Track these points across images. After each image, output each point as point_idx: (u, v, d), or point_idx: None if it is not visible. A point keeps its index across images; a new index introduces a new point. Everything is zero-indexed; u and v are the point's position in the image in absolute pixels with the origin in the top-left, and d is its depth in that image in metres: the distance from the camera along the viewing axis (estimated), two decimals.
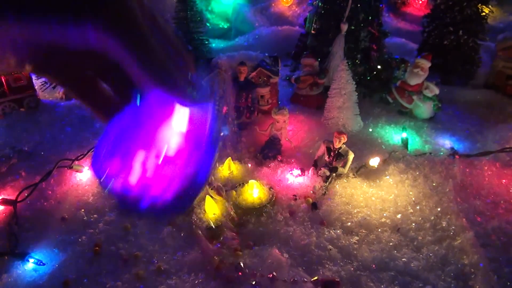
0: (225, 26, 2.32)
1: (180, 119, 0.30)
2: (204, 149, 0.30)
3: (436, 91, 1.30)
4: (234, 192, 0.97)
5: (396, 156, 1.10)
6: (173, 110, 0.29)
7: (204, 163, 0.30)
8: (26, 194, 1.00)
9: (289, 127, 1.17)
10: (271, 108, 1.28)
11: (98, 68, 0.29)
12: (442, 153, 1.13)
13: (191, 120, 0.30)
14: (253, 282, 0.74)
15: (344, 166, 1.02)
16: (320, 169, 1.02)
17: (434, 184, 0.99)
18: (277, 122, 1.10)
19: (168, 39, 0.30)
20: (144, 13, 0.27)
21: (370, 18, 1.43)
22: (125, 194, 0.29)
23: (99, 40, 0.24)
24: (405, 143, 1.17)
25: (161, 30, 0.30)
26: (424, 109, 1.32)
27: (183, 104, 0.28)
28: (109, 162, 0.29)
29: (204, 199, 0.90)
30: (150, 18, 0.28)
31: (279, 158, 1.11)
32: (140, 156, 0.29)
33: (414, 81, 1.28)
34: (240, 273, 0.76)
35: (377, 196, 0.96)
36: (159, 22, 0.29)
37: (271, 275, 0.74)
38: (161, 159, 0.30)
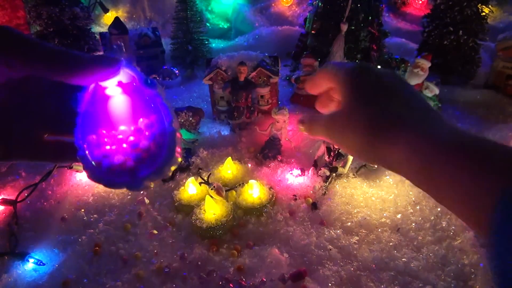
0: (225, 26, 2.32)
1: (113, 87, 0.32)
2: (148, 96, 0.31)
3: (436, 91, 1.30)
4: (234, 192, 0.97)
5: None
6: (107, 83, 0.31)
7: (158, 108, 0.31)
8: (26, 194, 1.00)
9: (289, 127, 1.17)
10: (271, 108, 1.28)
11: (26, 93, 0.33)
12: None
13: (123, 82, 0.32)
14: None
15: (344, 166, 1.02)
16: (320, 169, 1.02)
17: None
18: (277, 122, 1.10)
19: None
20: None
21: (370, 18, 1.43)
22: (116, 171, 0.30)
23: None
24: None
25: None
26: None
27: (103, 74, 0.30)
28: (89, 147, 0.31)
29: (204, 199, 0.90)
30: None
31: (279, 158, 1.11)
32: (114, 134, 0.31)
33: (414, 81, 1.28)
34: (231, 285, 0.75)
35: (377, 196, 0.96)
36: None
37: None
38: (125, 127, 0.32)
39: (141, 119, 0.31)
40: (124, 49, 0.35)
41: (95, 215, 0.94)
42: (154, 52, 1.82)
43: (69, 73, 0.30)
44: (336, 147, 1.01)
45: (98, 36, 1.69)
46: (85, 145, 0.32)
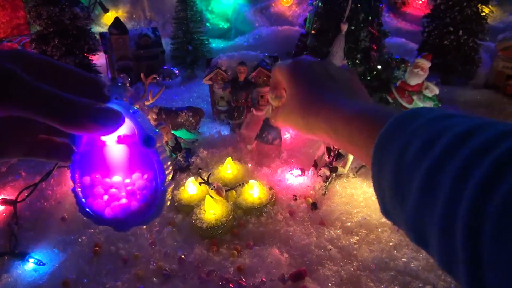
0: (225, 26, 2.32)
1: (112, 138, 0.32)
2: (145, 152, 0.31)
3: (436, 91, 1.30)
4: (234, 192, 0.97)
5: None
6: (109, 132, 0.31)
7: (153, 166, 0.32)
8: (26, 194, 1.00)
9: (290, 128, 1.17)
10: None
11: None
12: None
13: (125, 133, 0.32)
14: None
15: (344, 166, 1.02)
16: (320, 169, 1.02)
17: None
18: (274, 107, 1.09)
19: (63, 76, 0.33)
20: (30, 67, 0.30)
21: (370, 18, 1.43)
22: (106, 219, 0.33)
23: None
24: None
25: (55, 72, 0.33)
26: None
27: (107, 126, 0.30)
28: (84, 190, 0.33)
29: (204, 199, 0.90)
30: (39, 69, 0.31)
31: (282, 150, 1.09)
32: (108, 182, 0.33)
33: (414, 81, 1.29)
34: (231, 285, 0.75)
35: None
36: (54, 64, 0.33)
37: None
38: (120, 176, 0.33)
39: (135, 174, 0.32)
40: (128, 85, 0.34)
41: None
42: (154, 52, 1.82)
43: (70, 128, 0.28)
44: (336, 147, 1.01)
45: (98, 36, 1.69)
46: (78, 184, 0.33)
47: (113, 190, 0.33)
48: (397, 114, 0.35)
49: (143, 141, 0.31)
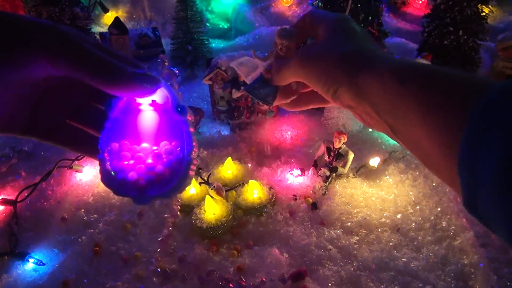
0: (225, 26, 2.32)
1: (147, 102, 0.33)
2: (176, 121, 0.33)
3: None
4: (234, 192, 0.97)
5: (396, 156, 1.10)
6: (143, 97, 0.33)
7: (182, 135, 0.32)
8: (26, 194, 1.00)
9: (290, 128, 1.17)
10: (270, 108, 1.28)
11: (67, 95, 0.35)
12: None
13: (157, 101, 0.34)
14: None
15: (344, 166, 1.02)
16: (320, 169, 1.02)
17: (434, 184, 0.99)
18: (280, 48, 1.09)
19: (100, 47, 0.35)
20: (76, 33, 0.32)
21: (370, 18, 1.43)
22: (128, 184, 0.32)
23: (53, 68, 0.30)
24: None
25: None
26: None
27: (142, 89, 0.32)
28: (113, 159, 0.32)
29: (204, 199, 0.90)
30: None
31: (271, 102, 1.08)
32: (136, 148, 0.33)
33: None
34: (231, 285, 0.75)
35: (377, 196, 0.96)
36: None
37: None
38: (151, 144, 0.34)
39: (163, 142, 0.33)
40: (166, 64, 0.36)
41: (95, 215, 0.94)
42: (154, 52, 1.82)
43: (110, 87, 0.31)
44: (336, 147, 1.01)
45: (98, 36, 1.69)
46: (106, 150, 0.33)
47: (140, 154, 0.33)
48: (502, 84, 0.27)
49: (176, 109, 0.32)
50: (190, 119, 0.33)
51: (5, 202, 0.98)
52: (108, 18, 2.15)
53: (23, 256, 0.83)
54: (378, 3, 1.45)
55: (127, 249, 0.85)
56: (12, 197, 0.99)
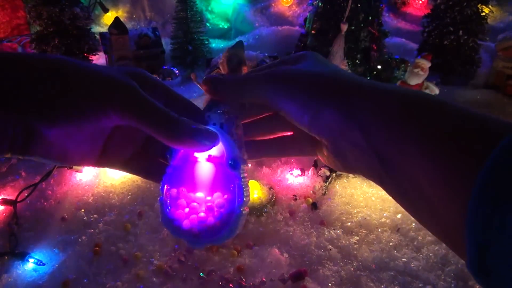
0: (225, 26, 2.32)
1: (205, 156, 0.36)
2: (229, 174, 0.35)
3: (436, 91, 1.30)
4: None
5: None
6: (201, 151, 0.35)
7: (233, 187, 0.35)
8: (26, 194, 1.00)
9: None
10: None
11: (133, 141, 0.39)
12: None
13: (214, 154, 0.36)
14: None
15: None
16: (320, 169, 1.02)
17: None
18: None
19: (168, 94, 0.39)
20: (146, 83, 0.35)
21: (370, 18, 1.43)
22: (182, 231, 0.35)
23: (122, 120, 0.32)
24: None
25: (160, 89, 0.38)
26: None
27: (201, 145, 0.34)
28: (175, 209, 0.36)
29: None
30: (151, 84, 0.37)
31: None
32: (191, 196, 0.36)
33: (414, 81, 1.28)
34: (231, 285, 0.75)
35: (377, 196, 0.96)
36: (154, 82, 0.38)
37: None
38: (206, 194, 0.36)
39: (216, 193, 0.36)
40: (226, 116, 0.37)
41: (95, 215, 0.94)
42: (154, 52, 1.82)
43: (171, 142, 0.33)
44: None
45: (98, 36, 1.69)
46: (167, 194, 0.36)
47: (195, 204, 0.36)
48: None
49: (230, 164, 0.34)
50: (243, 171, 0.35)
51: (5, 202, 0.98)
52: (108, 18, 2.15)
53: (23, 256, 0.83)
54: (378, 3, 1.45)
55: (127, 249, 0.85)
56: (12, 197, 0.99)
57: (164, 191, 0.36)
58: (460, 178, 0.24)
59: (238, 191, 0.34)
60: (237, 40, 0.42)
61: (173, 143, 0.33)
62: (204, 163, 0.36)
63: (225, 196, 0.35)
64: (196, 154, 0.36)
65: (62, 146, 0.33)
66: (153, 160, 0.40)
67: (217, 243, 0.35)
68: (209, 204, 0.35)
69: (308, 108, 0.31)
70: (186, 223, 0.35)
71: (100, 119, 0.32)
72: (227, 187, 0.35)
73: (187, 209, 0.36)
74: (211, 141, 0.33)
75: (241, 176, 0.35)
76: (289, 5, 2.37)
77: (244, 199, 0.34)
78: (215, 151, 0.36)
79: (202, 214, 0.35)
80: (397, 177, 0.29)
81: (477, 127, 0.25)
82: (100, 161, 0.37)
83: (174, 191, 0.36)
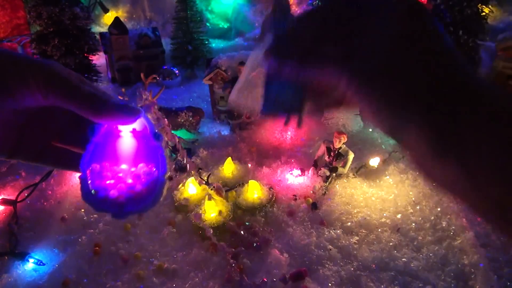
0: (225, 26, 2.32)
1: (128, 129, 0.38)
2: (152, 146, 0.37)
3: None
4: (234, 192, 0.97)
5: (396, 156, 1.10)
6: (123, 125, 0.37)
7: (158, 158, 0.36)
8: (26, 194, 1.00)
9: (290, 128, 1.17)
10: None
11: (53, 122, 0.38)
12: None
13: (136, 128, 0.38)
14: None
15: (344, 166, 1.02)
16: (320, 169, 1.02)
17: (434, 184, 0.99)
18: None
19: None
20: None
21: None
22: (108, 201, 0.35)
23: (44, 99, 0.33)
24: None
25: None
26: None
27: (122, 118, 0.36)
28: (94, 177, 0.36)
29: (204, 199, 0.90)
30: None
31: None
32: (115, 169, 0.37)
33: None
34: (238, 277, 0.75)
35: (377, 196, 0.96)
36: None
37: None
38: (129, 165, 0.37)
39: (141, 164, 0.37)
40: (149, 98, 0.41)
41: (95, 215, 0.94)
42: (154, 52, 1.82)
43: (95, 116, 0.34)
44: (336, 147, 1.01)
45: (98, 36, 1.69)
46: (88, 171, 0.36)
47: (120, 174, 0.37)
48: None
49: (154, 135, 0.37)
50: (164, 145, 0.37)
51: (5, 202, 0.98)
52: (108, 18, 2.15)
53: (23, 256, 0.83)
54: None
55: (127, 249, 0.85)
56: (12, 197, 0.99)
57: (86, 167, 0.37)
58: None
59: (162, 161, 0.36)
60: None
61: (98, 117, 0.34)
62: (127, 137, 0.38)
63: (150, 166, 0.36)
64: (120, 127, 0.37)
65: None
66: (70, 151, 0.40)
67: (141, 211, 0.36)
68: (135, 172, 0.37)
69: (400, 122, 0.28)
70: (113, 192, 0.35)
71: (25, 98, 0.32)
72: (151, 158, 0.37)
73: (112, 181, 0.36)
74: (135, 114, 0.36)
75: (163, 146, 0.37)
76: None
77: (167, 168, 0.36)
78: (137, 126, 0.37)
79: (130, 181, 0.36)
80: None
81: None
82: (14, 152, 0.37)
83: (96, 166, 0.37)
